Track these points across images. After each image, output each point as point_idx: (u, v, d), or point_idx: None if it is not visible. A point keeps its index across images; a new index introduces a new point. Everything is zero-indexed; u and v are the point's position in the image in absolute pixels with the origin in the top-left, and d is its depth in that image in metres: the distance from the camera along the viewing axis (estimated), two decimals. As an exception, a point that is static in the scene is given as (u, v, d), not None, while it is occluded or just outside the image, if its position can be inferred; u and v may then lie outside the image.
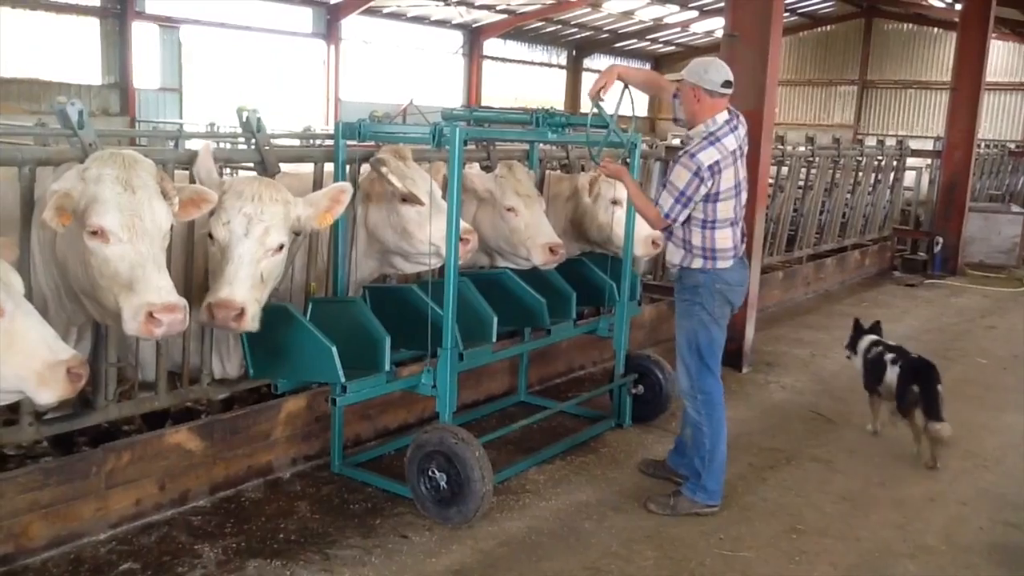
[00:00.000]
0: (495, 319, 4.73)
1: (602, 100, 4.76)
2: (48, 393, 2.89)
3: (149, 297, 3.19)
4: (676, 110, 4.68)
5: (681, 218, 4.49)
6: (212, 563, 3.87)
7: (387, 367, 4.35)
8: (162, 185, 3.44)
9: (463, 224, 4.40)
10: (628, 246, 5.56)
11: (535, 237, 5.20)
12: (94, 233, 3.25)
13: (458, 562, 4.01)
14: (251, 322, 3.71)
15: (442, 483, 4.29)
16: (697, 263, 4.56)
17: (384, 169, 4.48)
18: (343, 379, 4.13)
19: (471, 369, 5.76)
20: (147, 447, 4.13)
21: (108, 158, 3.37)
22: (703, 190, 4.41)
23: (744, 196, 4.62)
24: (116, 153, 3.41)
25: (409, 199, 4.47)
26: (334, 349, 4.04)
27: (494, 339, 4.79)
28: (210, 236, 3.84)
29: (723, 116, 4.49)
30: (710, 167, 4.38)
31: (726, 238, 4.54)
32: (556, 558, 4.10)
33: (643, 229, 5.62)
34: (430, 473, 4.33)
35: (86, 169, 3.34)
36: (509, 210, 5.25)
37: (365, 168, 4.70)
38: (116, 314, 3.27)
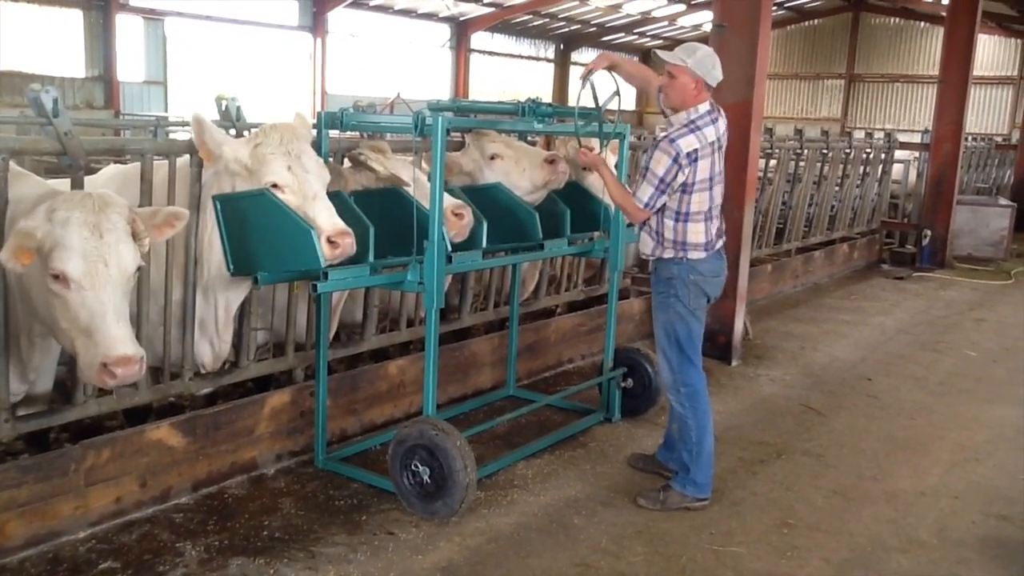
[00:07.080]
0: (484, 223, 4.63)
1: (591, 83, 4.70)
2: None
3: (106, 350, 3.16)
4: (661, 103, 4.64)
5: (658, 205, 4.48)
6: (194, 561, 3.80)
7: (371, 258, 4.16)
8: (133, 226, 3.37)
9: (453, 200, 4.40)
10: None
11: (532, 163, 5.23)
12: (56, 277, 3.19)
13: (445, 559, 3.95)
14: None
15: (425, 477, 4.23)
16: (668, 254, 4.56)
17: (363, 156, 4.49)
18: (324, 263, 3.89)
19: (457, 363, 5.72)
20: (128, 443, 4.05)
21: (78, 200, 3.30)
22: (680, 177, 4.40)
23: (720, 189, 4.58)
24: (87, 195, 3.34)
25: (394, 181, 4.50)
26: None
27: (484, 244, 4.68)
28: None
29: (705, 107, 4.49)
30: (688, 154, 4.37)
31: (698, 232, 4.51)
32: (544, 554, 4.04)
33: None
34: (413, 468, 4.26)
35: (54, 210, 3.26)
36: (494, 158, 5.27)
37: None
38: (73, 354, 3.28)
